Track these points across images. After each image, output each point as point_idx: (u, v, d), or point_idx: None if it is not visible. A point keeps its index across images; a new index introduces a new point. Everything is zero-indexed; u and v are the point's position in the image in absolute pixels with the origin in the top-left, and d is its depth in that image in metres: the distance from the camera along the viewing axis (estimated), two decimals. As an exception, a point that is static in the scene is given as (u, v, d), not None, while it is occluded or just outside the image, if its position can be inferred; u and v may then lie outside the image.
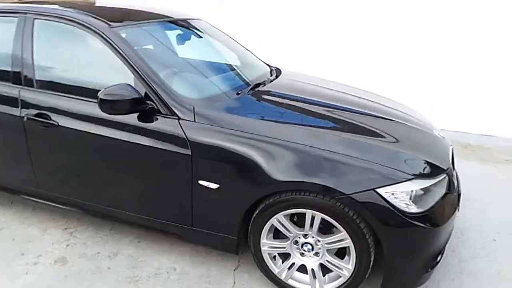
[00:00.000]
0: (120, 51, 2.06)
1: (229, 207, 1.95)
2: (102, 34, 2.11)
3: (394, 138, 2.03)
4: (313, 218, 1.81)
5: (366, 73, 4.68)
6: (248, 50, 3.05)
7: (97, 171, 2.20)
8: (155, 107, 1.98)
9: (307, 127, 1.99)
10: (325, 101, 2.40)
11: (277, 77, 2.70)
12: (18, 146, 2.28)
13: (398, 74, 4.71)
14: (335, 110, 2.29)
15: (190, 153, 1.91)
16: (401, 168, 1.78)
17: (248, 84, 2.43)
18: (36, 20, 2.27)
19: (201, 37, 2.83)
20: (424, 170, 1.85)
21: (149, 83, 1.99)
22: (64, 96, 2.17)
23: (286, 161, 1.79)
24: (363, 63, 4.80)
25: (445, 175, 1.91)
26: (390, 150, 1.88)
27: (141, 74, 2.01)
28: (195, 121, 1.94)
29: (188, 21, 2.82)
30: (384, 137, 2.00)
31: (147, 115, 2.00)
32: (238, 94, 2.25)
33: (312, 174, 1.75)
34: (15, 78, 2.27)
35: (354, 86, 2.91)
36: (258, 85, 2.46)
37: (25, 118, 2.19)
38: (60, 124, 2.13)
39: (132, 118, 2.00)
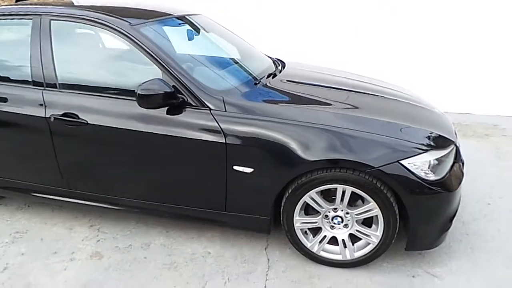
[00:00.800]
0: (145, 48, 2.13)
1: (263, 189, 2.09)
2: (125, 33, 2.17)
3: (407, 116, 2.24)
4: (343, 192, 1.99)
5: (362, 72, 4.89)
6: (249, 43, 3.17)
7: (127, 166, 2.27)
8: (185, 100, 2.08)
9: (330, 109, 2.16)
10: (337, 86, 2.58)
11: (283, 67, 2.84)
12: (43, 146, 2.30)
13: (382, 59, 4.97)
14: (349, 93, 2.47)
15: (224, 141, 2.02)
16: (419, 142, 1.99)
17: (261, 74, 2.56)
18: (52, 21, 2.29)
19: (206, 32, 2.92)
20: (437, 142, 2.07)
21: (178, 78, 2.08)
22: (92, 95, 2.22)
23: (317, 142, 1.95)
24: (360, 62, 5.00)
25: (453, 146, 2.14)
26: (407, 126, 2.09)
27: (169, 69, 2.10)
28: (225, 110, 2.06)
29: (192, 16, 2.89)
30: (399, 115, 2.21)
31: (177, 108, 2.09)
32: (256, 84, 2.38)
33: (343, 152, 1.92)
34: (36, 80, 2.28)
35: (353, 71, 3.11)
36: (270, 75, 2.60)
37: (51, 119, 2.22)
38: (89, 122, 2.18)
39: (161, 112, 2.09)
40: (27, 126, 2.32)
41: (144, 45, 2.14)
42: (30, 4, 2.49)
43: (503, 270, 2.17)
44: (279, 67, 2.84)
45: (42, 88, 2.27)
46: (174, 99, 2.04)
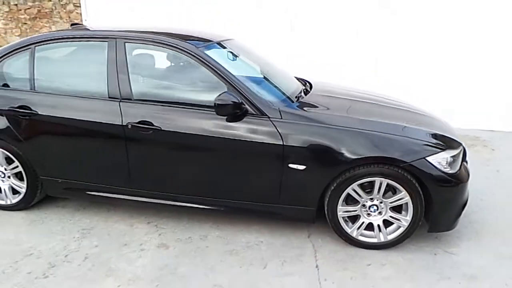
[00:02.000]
0: (211, 66, 2.56)
1: (312, 183, 2.51)
2: (193, 54, 2.59)
3: (424, 123, 2.74)
4: (380, 184, 2.45)
5: (360, 74, 5.46)
6: (275, 64, 3.62)
7: (193, 166, 2.64)
8: (247, 110, 2.50)
9: (363, 116, 2.63)
10: (360, 99, 3.07)
11: (310, 86, 3.31)
12: (117, 150, 2.65)
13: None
14: (371, 104, 2.97)
15: (282, 143, 2.45)
16: (439, 142, 2.50)
17: (297, 90, 3.02)
18: (126, 43, 2.68)
19: (242, 54, 3.36)
20: (450, 143, 2.58)
21: (241, 91, 2.51)
22: (163, 106, 2.60)
23: (360, 143, 2.41)
24: (358, 65, 5.57)
25: (462, 147, 2.65)
26: (427, 131, 2.59)
27: (233, 85, 2.53)
28: (281, 118, 2.49)
29: (230, 41, 3.32)
30: (418, 122, 2.71)
31: (239, 116, 2.50)
32: (297, 98, 2.84)
33: (382, 150, 2.39)
34: (112, 93, 2.64)
35: (368, 88, 3.63)
36: (305, 90, 3.07)
37: (128, 126, 2.57)
38: (162, 128, 2.55)
39: (222, 120, 2.49)
40: (104, 133, 2.65)
41: (210, 64, 2.57)
42: (102, 30, 2.86)
43: (503, 248, 2.67)
44: (307, 84, 3.31)
45: (119, 100, 2.63)
46: (240, 109, 2.45)
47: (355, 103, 2.97)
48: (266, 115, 2.50)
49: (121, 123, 2.59)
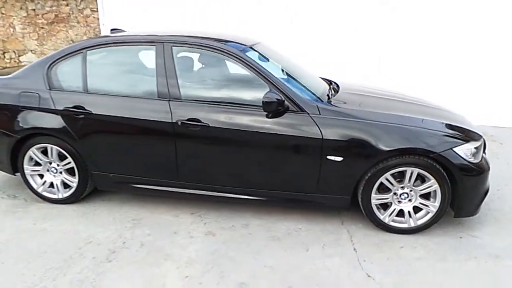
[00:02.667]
0: (254, 68, 2.79)
1: (349, 173, 2.74)
2: (237, 56, 2.82)
3: (449, 118, 2.98)
4: (411, 173, 2.68)
5: (363, 72, 5.70)
6: (301, 64, 3.85)
7: (237, 159, 2.86)
8: (288, 107, 2.73)
9: (393, 111, 2.86)
10: (385, 96, 3.31)
11: (336, 85, 3.53)
12: (166, 145, 2.87)
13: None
14: (397, 101, 3.21)
15: (321, 137, 2.68)
16: (463, 135, 2.74)
17: (326, 89, 3.25)
18: (173, 47, 2.90)
19: (269, 56, 3.58)
20: (473, 136, 2.82)
21: (282, 90, 2.74)
22: (209, 104, 2.82)
23: (393, 136, 2.65)
24: (362, 63, 5.82)
25: (482, 139, 2.89)
26: (453, 124, 2.83)
27: (275, 84, 2.76)
28: (319, 114, 2.73)
29: (258, 44, 3.52)
30: (444, 117, 2.95)
31: (281, 113, 2.73)
32: (328, 96, 3.07)
33: (414, 142, 2.63)
34: (161, 93, 2.86)
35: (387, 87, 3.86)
36: (334, 89, 3.30)
37: (178, 123, 2.79)
38: (210, 125, 2.77)
39: (263, 116, 2.72)
40: (155, 129, 2.87)
41: (253, 66, 2.80)
42: (148, 35, 3.08)
43: (522, 232, 2.92)
44: (333, 84, 3.54)
45: (168, 99, 2.85)
46: (282, 106, 2.68)
47: (382, 100, 3.21)
48: (306, 111, 2.73)
49: (171, 121, 2.81)
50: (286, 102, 2.72)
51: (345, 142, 2.69)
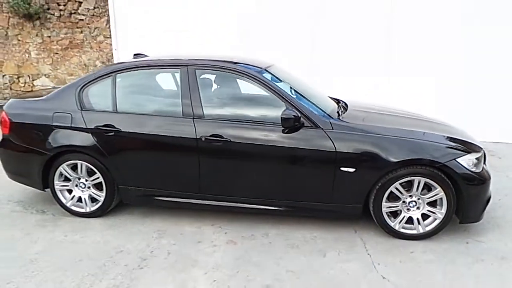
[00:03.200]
0: (272, 88, 3.06)
1: (361, 183, 2.96)
2: (255, 77, 3.10)
3: (450, 131, 3.22)
4: (418, 182, 2.90)
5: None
6: (308, 84, 4.11)
7: (257, 172, 3.08)
8: (303, 123, 2.97)
9: (399, 126, 3.11)
10: (389, 113, 3.56)
11: (344, 103, 3.78)
12: (190, 160, 3.09)
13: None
14: (400, 117, 3.46)
15: (335, 150, 2.91)
16: (465, 147, 2.98)
17: (336, 107, 3.51)
18: (196, 70, 3.17)
19: (282, 77, 3.86)
20: (474, 148, 3.05)
21: (298, 108, 3.00)
22: (230, 122, 3.07)
23: (401, 148, 2.89)
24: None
25: (482, 151, 3.13)
26: (455, 137, 3.08)
27: (291, 102, 3.02)
28: (332, 129, 2.97)
29: (272, 66, 3.81)
30: (446, 131, 3.20)
31: (297, 128, 2.97)
32: (338, 114, 3.32)
33: (421, 154, 2.86)
34: (186, 112, 3.11)
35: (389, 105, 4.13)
36: (343, 107, 3.56)
37: (202, 139, 3.03)
38: (232, 140, 3.01)
39: (279, 131, 2.96)
40: (180, 145, 3.10)
41: (270, 86, 3.07)
42: (172, 59, 3.35)
43: (524, 237, 3.11)
44: (341, 102, 3.81)
45: (192, 117, 3.09)
46: (298, 121, 2.93)
47: (388, 116, 3.47)
48: (320, 126, 2.98)
49: (195, 137, 3.05)
50: (301, 119, 2.97)
51: (356, 154, 2.92)
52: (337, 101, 3.86)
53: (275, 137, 2.99)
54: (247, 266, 2.73)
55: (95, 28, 7.60)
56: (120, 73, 3.30)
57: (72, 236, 3.13)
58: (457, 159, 2.87)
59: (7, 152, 3.52)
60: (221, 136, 3.03)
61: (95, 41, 7.68)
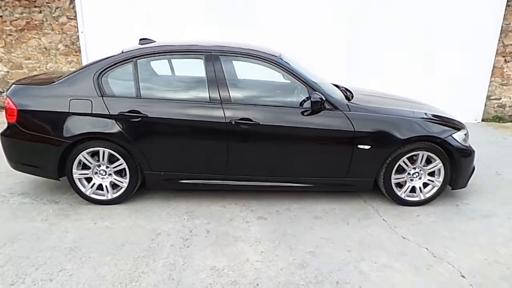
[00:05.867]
0: (293, 73, 3.29)
1: (374, 159, 3.35)
2: (278, 64, 3.30)
3: (441, 112, 3.73)
4: (422, 156, 3.36)
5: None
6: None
7: (283, 152, 3.31)
8: (325, 106, 3.26)
9: (405, 107, 3.54)
10: (394, 98, 3.99)
11: (346, 89, 4.11)
12: (220, 143, 3.23)
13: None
14: (403, 101, 3.90)
15: (353, 129, 3.25)
16: (456, 124, 3.50)
17: (345, 93, 3.82)
18: (220, 56, 3.28)
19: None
20: (461, 125, 3.60)
21: (320, 92, 3.27)
22: (257, 105, 3.25)
23: (409, 126, 3.32)
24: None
25: (466, 127, 3.69)
26: (447, 117, 3.59)
27: (312, 87, 3.28)
28: (350, 110, 3.30)
29: (282, 54, 3.94)
30: (437, 111, 3.70)
31: (318, 111, 3.26)
32: (347, 99, 3.64)
33: (425, 131, 3.32)
34: (213, 97, 3.22)
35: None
36: (349, 92, 3.89)
37: (232, 122, 3.18)
38: (260, 123, 3.20)
39: (299, 114, 3.23)
40: (209, 129, 3.22)
41: (292, 71, 3.30)
42: (193, 44, 3.40)
43: (496, 198, 3.76)
44: (341, 87, 4.15)
45: (220, 102, 3.22)
46: (323, 104, 3.21)
47: (389, 99, 3.88)
48: (339, 108, 3.29)
49: (224, 121, 3.19)
50: (325, 102, 3.26)
51: (372, 133, 3.30)
52: (336, 86, 4.20)
53: (299, 119, 3.25)
54: (285, 237, 2.99)
55: (57, 8, 7.06)
56: (141, 58, 3.28)
57: (101, 223, 3.13)
58: (453, 135, 3.38)
59: (13, 141, 3.35)
60: (250, 120, 3.20)
61: (56, 23, 7.14)
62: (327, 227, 3.16)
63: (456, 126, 3.51)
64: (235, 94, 3.29)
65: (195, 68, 3.31)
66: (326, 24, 6.75)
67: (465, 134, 3.51)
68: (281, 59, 3.39)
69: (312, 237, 3.01)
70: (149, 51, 3.32)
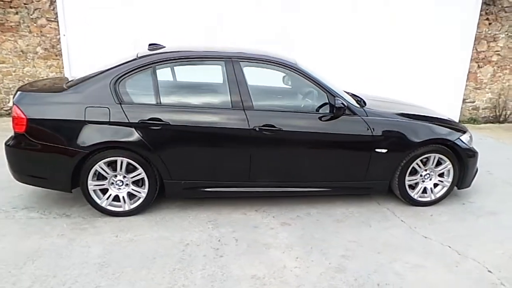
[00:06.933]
0: (312, 79, 3.34)
1: (391, 162, 3.47)
2: (297, 70, 3.34)
3: (444, 116, 3.93)
4: (434, 158, 3.53)
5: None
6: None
7: (306, 157, 3.35)
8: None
9: (417, 113, 3.69)
10: (402, 103, 4.13)
11: (354, 95, 4.21)
12: (243, 150, 3.21)
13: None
14: (411, 106, 4.05)
15: (372, 134, 3.35)
16: (461, 127, 3.71)
17: (358, 99, 3.91)
18: (241, 62, 3.27)
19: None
20: (465, 128, 3.81)
21: (336, 98, 3.33)
22: (279, 111, 3.27)
23: (422, 130, 3.47)
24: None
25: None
26: (452, 121, 3.79)
27: (331, 93, 3.34)
28: (367, 116, 3.40)
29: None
30: (442, 115, 3.89)
31: (336, 117, 3.33)
32: (361, 105, 3.73)
33: (437, 134, 3.49)
34: (235, 104, 3.19)
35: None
36: (361, 99, 3.98)
37: (256, 129, 3.16)
38: (283, 129, 3.21)
39: (317, 119, 3.29)
40: (232, 136, 3.19)
41: (309, 76, 3.35)
42: (212, 51, 3.36)
43: (498, 197, 4.01)
44: (349, 93, 4.25)
45: (242, 109, 3.19)
46: (345, 110, 3.28)
47: (399, 105, 4.02)
48: (357, 114, 3.38)
49: (248, 127, 3.17)
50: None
51: (389, 137, 3.42)
52: (350, 93, 4.30)
53: (320, 124, 3.30)
54: (315, 242, 3.02)
55: (35, 9, 6.68)
56: (160, 64, 3.19)
57: (123, 236, 3.00)
58: (460, 138, 3.58)
59: (20, 152, 3.13)
60: (273, 126, 3.21)
61: (35, 24, 6.75)
62: (351, 230, 3.23)
63: (462, 129, 3.72)
64: (257, 100, 3.29)
65: (211, 74, 3.27)
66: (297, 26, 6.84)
67: (470, 137, 3.73)
68: (299, 65, 3.44)
69: (340, 240, 3.06)
70: (168, 56, 3.24)
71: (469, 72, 7.53)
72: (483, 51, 7.44)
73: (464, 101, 7.71)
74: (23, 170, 3.22)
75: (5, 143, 3.17)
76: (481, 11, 7.16)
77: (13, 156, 3.17)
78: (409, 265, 2.76)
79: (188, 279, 2.52)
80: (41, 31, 6.80)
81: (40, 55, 6.87)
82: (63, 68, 6.88)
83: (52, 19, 6.73)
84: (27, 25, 6.75)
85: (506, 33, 7.38)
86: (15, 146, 3.12)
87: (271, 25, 6.59)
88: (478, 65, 7.55)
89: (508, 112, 7.82)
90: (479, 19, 7.20)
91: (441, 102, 7.32)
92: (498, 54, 7.50)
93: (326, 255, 2.84)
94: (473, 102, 7.79)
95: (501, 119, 7.81)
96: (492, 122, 7.84)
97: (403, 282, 2.56)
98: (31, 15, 6.71)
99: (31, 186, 3.56)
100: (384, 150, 3.41)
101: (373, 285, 2.52)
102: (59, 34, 6.74)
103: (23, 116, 3.03)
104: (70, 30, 6.68)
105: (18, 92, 3.16)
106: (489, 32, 7.33)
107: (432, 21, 7.03)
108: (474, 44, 7.35)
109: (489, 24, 7.29)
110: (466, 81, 7.58)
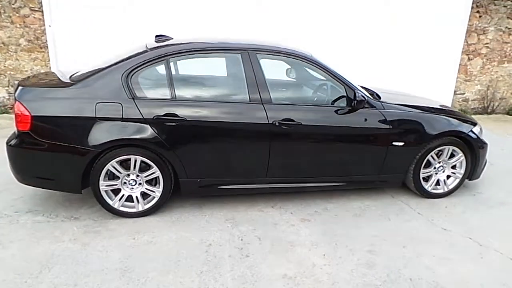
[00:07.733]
0: (329, 71, 3.27)
1: (407, 155, 3.45)
2: (314, 63, 3.26)
3: (454, 109, 3.95)
4: (448, 150, 3.54)
5: None
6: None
7: (325, 151, 3.28)
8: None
9: (432, 107, 3.69)
10: (412, 96, 4.12)
11: (368, 89, 4.15)
12: (262, 145, 3.11)
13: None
14: (423, 99, 4.04)
15: (389, 127, 3.32)
16: (472, 119, 3.74)
17: (371, 93, 3.86)
18: (257, 54, 3.15)
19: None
20: (475, 120, 3.84)
21: (355, 91, 3.28)
22: (297, 105, 3.19)
23: (437, 123, 3.47)
24: None
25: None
26: (462, 113, 3.80)
27: (350, 86, 3.28)
28: (384, 109, 3.36)
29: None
30: (450, 108, 3.91)
31: (355, 110, 3.27)
32: (376, 98, 3.69)
33: (452, 126, 3.50)
34: (253, 98, 3.08)
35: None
36: (375, 92, 3.93)
37: (276, 123, 3.07)
38: (303, 123, 3.13)
39: (334, 113, 3.23)
40: (251, 131, 3.08)
41: (326, 69, 3.27)
42: (227, 42, 3.22)
43: (508, 188, 4.09)
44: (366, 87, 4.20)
45: (261, 103, 3.08)
46: (366, 103, 3.23)
47: (412, 98, 4.00)
48: (375, 107, 3.34)
49: (267, 122, 3.07)
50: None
51: (405, 130, 3.40)
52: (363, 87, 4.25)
53: (338, 118, 3.24)
54: (338, 238, 2.97)
55: (17, -2, 6.29)
56: (174, 57, 3.03)
57: (141, 238, 2.85)
58: (472, 129, 3.61)
59: (24, 152, 2.92)
60: (292, 120, 3.12)
61: (17, 15, 6.35)
62: (371, 224, 3.20)
63: (473, 121, 3.75)
64: (275, 93, 3.19)
65: (225, 66, 3.14)
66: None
67: (480, 129, 3.77)
68: (315, 57, 3.35)
69: (363, 235, 3.03)
70: (183, 48, 3.07)
71: (460, 64, 7.67)
72: (473, 44, 7.59)
73: (454, 93, 7.86)
74: (28, 171, 3.01)
75: (7, 143, 2.95)
76: (472, 3, 7.28)
77: (16, 157, 2.95)
78: (436, 258, 2.76)
79: (217, 281, 2.41)
80: (24, 22, 6.41)
81: (24, 47, 6.49)
82: (48, 61, 6.53)
83: (36, 9, 6.35)
84: (8, 15, 6.35)
85: (495, 26, 7.54)
86: (18, 146, 2.90)
87: (271, 25, 6.43)
88: (468, 58, 7.69)
89: (496, 104, 8.04)
90: (470, 12, 7.32)
91: (433, 94, 7.40)
92: (487, 47, 7.66)
93: (353, 251, 2.80)
94: (463, 94, 7.95)
95: (489, 110, 8.02)
96: (480, 113, 8.04)
97: (435, 275, 2.55)
98: (12, 4, 6.31)
99: (31, 188, 3.37)
100: (400, 143, 3.39)
101: (406, 279, 2.50)
102: (44, 25, 6.38)
103: (27, 114, 2.82)
104: (56, 20, 6.33)
105: (20, 87, 2.93)
106: (479, 25, 7.47)
107: (426, 13, 7.09)
108: (465, 37, 7.48)
109: (479, 17, 7.42)
110: (457, 73, 7.73)
